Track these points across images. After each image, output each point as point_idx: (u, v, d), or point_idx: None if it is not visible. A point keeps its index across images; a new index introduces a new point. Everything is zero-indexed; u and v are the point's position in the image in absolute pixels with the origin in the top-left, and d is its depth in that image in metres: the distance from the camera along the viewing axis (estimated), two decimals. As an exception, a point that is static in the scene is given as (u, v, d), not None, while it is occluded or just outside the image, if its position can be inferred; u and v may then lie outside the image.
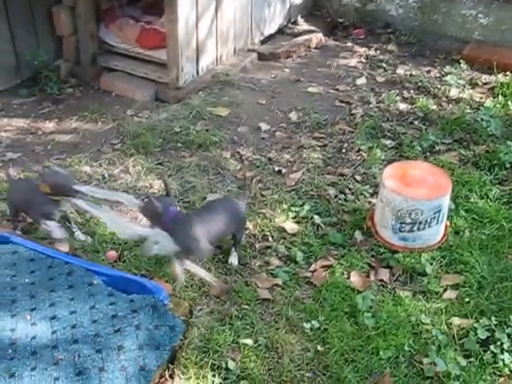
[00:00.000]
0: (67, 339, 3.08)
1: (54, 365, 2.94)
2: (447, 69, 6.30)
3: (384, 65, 6.52)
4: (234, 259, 3.91)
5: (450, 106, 5.67)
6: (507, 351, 3.29)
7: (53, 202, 3.88)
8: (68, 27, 6.01)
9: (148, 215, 3.68)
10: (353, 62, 6.65)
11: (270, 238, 4.11)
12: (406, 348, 3.32)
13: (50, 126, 5.48)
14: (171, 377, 3.13)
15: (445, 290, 3.73)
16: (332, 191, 4.54)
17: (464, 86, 5.95)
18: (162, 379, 3.12)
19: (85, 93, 5.99)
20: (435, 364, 3.22)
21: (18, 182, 4.26)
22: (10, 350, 3.04)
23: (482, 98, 5.80)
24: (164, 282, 3.59)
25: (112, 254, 3.90)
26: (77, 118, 5.54)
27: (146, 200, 3.70)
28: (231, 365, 3.24)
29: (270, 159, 4.92)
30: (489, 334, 3.38)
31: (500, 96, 5.71)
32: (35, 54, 5.87)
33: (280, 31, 7.05)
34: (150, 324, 3.11)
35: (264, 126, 5.37)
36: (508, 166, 4.75)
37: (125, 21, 6.12)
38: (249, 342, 3.37)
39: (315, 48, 6.91)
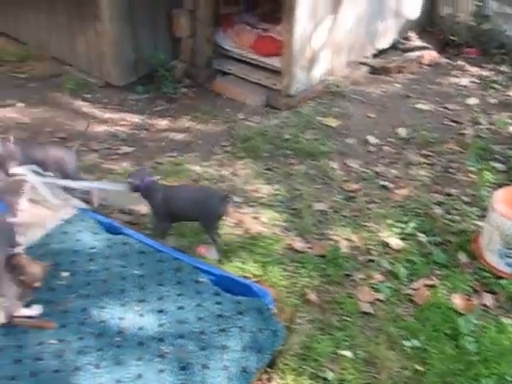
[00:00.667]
0: (173, 334, 3.17)
1: (159, 357, 3.05)
2: (562, 94, 6.16)
3: (496, 86, 6.40)
4: (210, 253, 3.95)
5: None
6: None
7: None
8: (186, 30, 6.18)
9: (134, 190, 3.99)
10: (464, 81, 6.56)
11: (374, 252, 4.11)
12: (509, 378, 3.25)
13: (163, 123, 5.65)
14: (269, 380, 3.18)
15: (551, 321, 3.64)
16: (438, 210, 4.50)
17: None
18: (260, 382, 3.18)
19: (198, 94, 6.14)
20: (539, 397, 3.16)
21: None
22: (117, 338, 3.17)
23: None
24: (269, 286, 3.64)
25: (202, 248, 3.97)
26: (190, 117, 5.70)
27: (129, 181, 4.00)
28: (329, 375, 3.25)
29: (376, 173, 4.92)
30: None
31: None
32: (153, 53, 6.07)
33: (392, 46, 7.03)
34: (254, 327, 3.18)
35: (372, 140, 5.37)
36: None
37: (242, 27, 6.24)
38: (348, 354, 3.38)
39: (427, 65, 6.86)
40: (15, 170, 4.05)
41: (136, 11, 5.95)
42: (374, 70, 6.57)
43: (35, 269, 3.42)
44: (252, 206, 4.43)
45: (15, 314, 3.27)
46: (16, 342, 3.20)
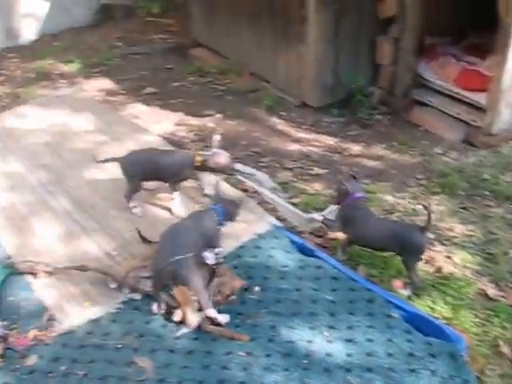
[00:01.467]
0: (361, 365, 3.12)
1: (345, 387, 3.02)
2: None
3: None
4: (404, 289, 3.82)
5: None
6: None
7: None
8: (388, 57, 6.11)
9: (337, 192, 4.07)
10: None
11: None
12: None
13: (356, 148, 5.60)
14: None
15: None
16: None
17: None
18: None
19: (393, 122, 6.02)
20: None
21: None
22: (304, 361, 3.18)
23: None
24: (461, 332, 3.48)
25: (398, 283, 3.86)
26: (384, 146, 5.61)
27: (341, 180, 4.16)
28: None
29: None
30: None
31: None
32: (353, 77, 6.06)
33: None
34: (445, 372, 3.06)
35: None
36: None
37: (446, 59, 6.08)
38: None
39: None
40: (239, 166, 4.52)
41: (340, 35, 5.97)
42: None
43: (232, 287, 3.51)
44: (444, 245, 4.28)
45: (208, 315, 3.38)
46: (206, 347, 3.30)
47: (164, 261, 3.44)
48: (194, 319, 3.41)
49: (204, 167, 4.35)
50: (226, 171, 4.41)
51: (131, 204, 4.49)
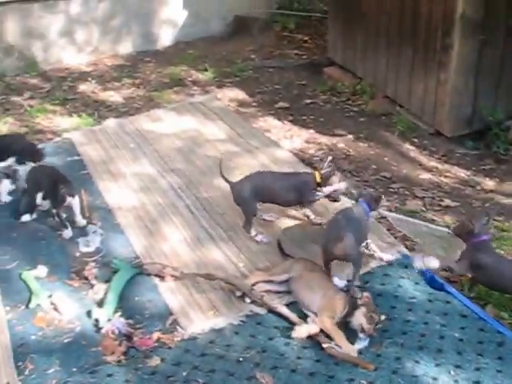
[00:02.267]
0: (489, 410, 3.02)
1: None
2: None
3: None
4: None
5: None
6: None
7: None
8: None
9: (459, 230, 3.98)
10: None
11: None
12: None
13: (489, 183, 5.42)
14: None
15: None
16: None
17: None
18: None
19: (529, 160, 5.80)
20: None
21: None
22: (427, 398, 3.09)
23: None
24: None
25: None
26: (522, 183, 5.41)
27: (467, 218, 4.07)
28: None
29: None
30: None
31: None
32: (491, 110, 5.89)
33: None
34: None
35: None
36: None
37: None
38: None
39: None
40: None
41: (483, 66, 5.83)
42: None
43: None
44: None
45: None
46: (328, 371, 3.27)
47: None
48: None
49: (323, 184, 4.41)
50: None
51: (253, 233, 4.46)
